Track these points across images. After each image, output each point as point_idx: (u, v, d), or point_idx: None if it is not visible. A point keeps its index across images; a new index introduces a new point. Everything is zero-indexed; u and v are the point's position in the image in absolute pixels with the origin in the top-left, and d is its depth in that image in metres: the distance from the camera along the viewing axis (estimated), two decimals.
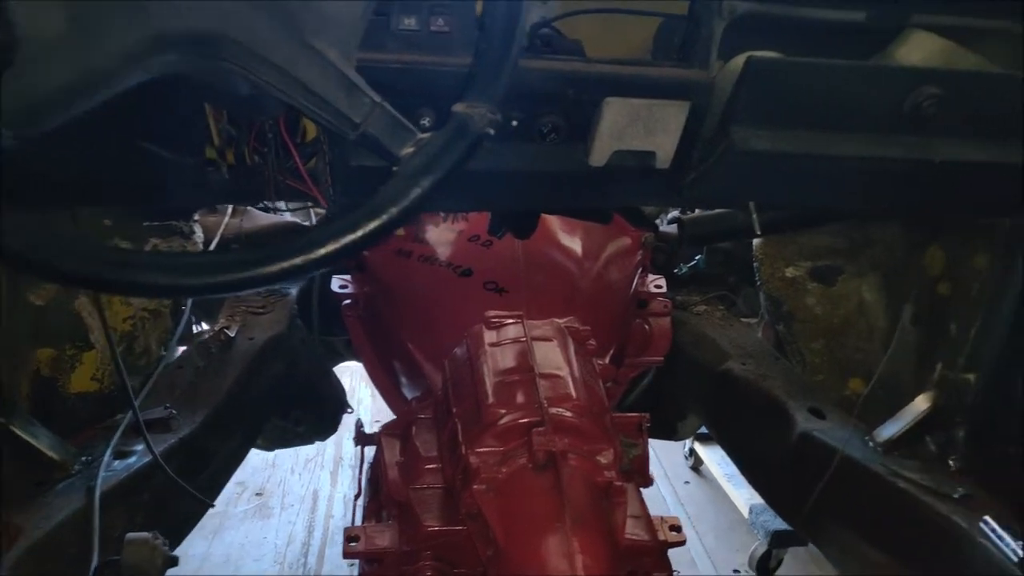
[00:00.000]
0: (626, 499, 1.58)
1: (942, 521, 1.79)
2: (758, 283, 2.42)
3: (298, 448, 3.30)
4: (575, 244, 2.13)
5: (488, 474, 1.54)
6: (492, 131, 1.00)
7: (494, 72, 1.01)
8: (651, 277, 2.38)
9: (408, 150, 0.97)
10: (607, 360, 2.10)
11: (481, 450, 1.59)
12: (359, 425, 1.98)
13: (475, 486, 1.53)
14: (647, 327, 2.36)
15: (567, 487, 1.48)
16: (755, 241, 2.41)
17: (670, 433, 2.80)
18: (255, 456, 3.24)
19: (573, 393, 1.66)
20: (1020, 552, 1.61)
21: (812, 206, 1.77)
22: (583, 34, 1.59)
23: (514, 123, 1.41)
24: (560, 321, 1.89)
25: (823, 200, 1.61)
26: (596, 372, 1.85)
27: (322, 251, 0.94)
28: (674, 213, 2.48)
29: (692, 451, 3.88)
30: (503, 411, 1.62)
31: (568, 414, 1.61)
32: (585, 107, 1.42)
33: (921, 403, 2.06)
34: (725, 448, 2.48)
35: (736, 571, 3.26)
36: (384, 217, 0.95)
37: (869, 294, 2.26)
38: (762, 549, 3.19)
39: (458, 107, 1.00)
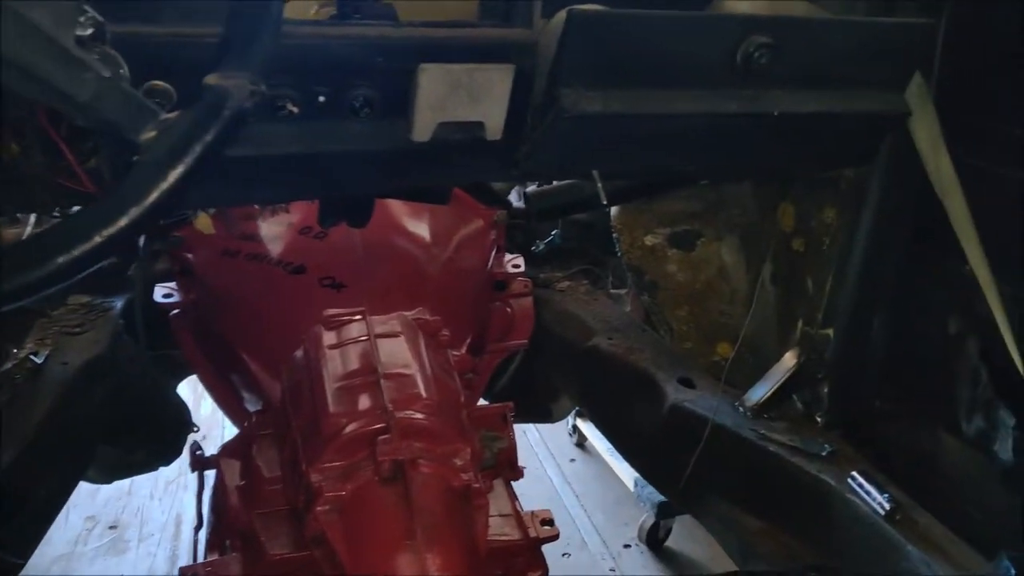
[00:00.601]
0: (487, 501, 1.48)
1: (812, 481, 1.78)
2: (619, 254, 2.36)
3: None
4: (421, 229, 2.00)
5: (331, 492, 1.40)
6: (251, 104, 0.84)
7: (249, 34, 0.86)
8: (508, 257, 2.28)
9: (150, 134, 0.80)
10: (464, 350, 1.98)
11: (323, 466, 1.44)
12: (195, 448, 1.79)
13: (317, 507, 1.39)
14: (509, 310, 2.26)
15: (418, 498, 1.36)
16: (612, 211, 2.34)
17: (546, 416, 2.73)
18: (109, 485, 2.95)
19: (423, 392, 1.53)
20: (886, 505, 1.61)
21: (656, 170, 1.70)
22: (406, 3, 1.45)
23: (321, 99, 1.27)
24: (408, 314, 1.76)
25: (667, 163, 1.54)
26: (451, 365, 1.74)
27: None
28: (532, 187, 2.38)
29: (575, 428, 3.85)
30: (345, 420, 1.48)
31: (418, 416, 1.48)
32: (399, 77, 1.28)
33: (786, 362, 2.05)
34: (599, 427, 2.43)
35: (627, 545, 3.25)
36: (106, 231, 0.76)
37: (728, 256, 2.23)
38: (650, 521, 3.19)
39: (210, 79, 0.84)
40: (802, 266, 2.05)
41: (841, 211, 1.90)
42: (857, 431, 1.97)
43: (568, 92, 1.30)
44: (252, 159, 1.27)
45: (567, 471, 3.72)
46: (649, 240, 2.31)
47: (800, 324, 2.07)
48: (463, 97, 1.33)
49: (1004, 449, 1.47)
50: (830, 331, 1.95)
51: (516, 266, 2.27)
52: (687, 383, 2.14)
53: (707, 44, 1.32)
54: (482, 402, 2.45)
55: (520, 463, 3.75)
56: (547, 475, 3.71)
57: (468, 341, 2.06)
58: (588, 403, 2.42)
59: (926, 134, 1.50)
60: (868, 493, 1.66)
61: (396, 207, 1.98)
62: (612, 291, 2.69)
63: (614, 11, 1.26)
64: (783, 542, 1.86)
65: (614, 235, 2.36)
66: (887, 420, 1.91)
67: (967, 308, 1.62)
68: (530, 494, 3.68)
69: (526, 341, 2.27)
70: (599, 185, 1.56)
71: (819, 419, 2.01)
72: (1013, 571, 1.42)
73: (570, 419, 3.85)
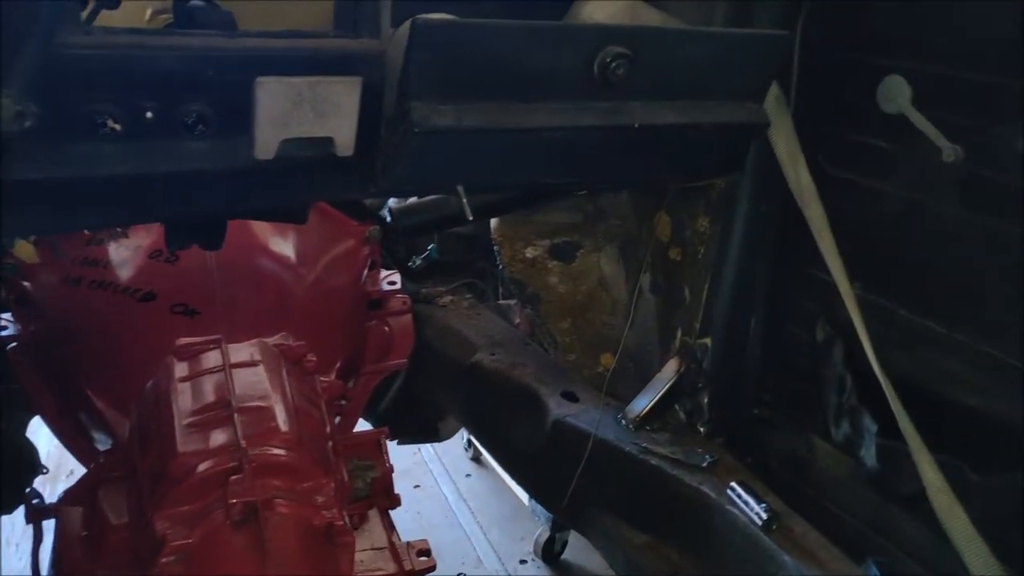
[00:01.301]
0: (352, 539, 1.41)
1: (693, 493, 1.78)
2: (499, 266, 2.33)
3: None
4: (285, 248, 1.91)
5: (177, 541, 1.30)
6: (24, 126, 0.76)
7: (11, 47, 0.77)
8: (383, 274, 2.21)
9: None
10: (334, 375, 1.90)
11: (169, 511, 1.34)
12: (31, 496, 1.64)
13: (162, 558, 1.28)
14: (386, 329, 2.18)
15: (272, 541, 1.28)
16: (492, 223, 2.31)
17: (433, 435, 2.67)
18: None
19: (282, 425, 1.45)
20: (763, 515, 1.62)
21: (521, 184, 1.67)
22: (257, 10, 1.37)
23: (148, 115, 1.17)
24: (269, 340, 1.67)
25: (529, 177, 1.51)
26: (318, 393, 1.66)
27: None
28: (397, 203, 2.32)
29: (471, 442, 3.80)
30: (194, 460, 1.39)
31: (276, 451, 1.40)
32: (236, 91, 1.20)
33: (667, 372, 2.06)
34: (483, 445, 2.39)
35: (523, 561, 3.22)
36: None
37: (608, 267, 2.23)
38: (546, 535, 3.17)
39: None
40: (679, 275, 2.06)
41: (714, 220, 1.92)
42: (737, 439, 2.00)
43: (418, 106, 1.25)
44: (71, 181, 1.16)
45: (463, 487, 3.67)
46: (530, 252, 2.29)
47: (679, 333, 2.08)
48: (307, 112, 1.27)
49: (868, 455, 1.50)
50: (708, 340, 1.97)
51: (392, 283, 2.20)
52: (570, 397, 2.13)
53: (562, 55, 1.29)
54: (363, 425, 2.39)
55: (415, 481, 3.70)
56: (442, 492, 3.65)
57: (339, 365, 1.98)
58: (473, 421, 2.37)
59: (784, 144, 1.52)
60: (746, 504, 1.67)
61: (257, 226, 1.88)
62: (502, 302, 2.66)
63: (462, 20, 1.22)
64: (667, 556, 1.86)
65: (495, 248, 2.33)
66: (765, 427, 1.94)
67: (831, 314, 1.66)
68: (425, 512, 3.65)
69: (405, 361, 2.20)
70: (464, 200, 1.52)
71: (701, 429, 2.02)
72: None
73: (465, 433, 3.80)
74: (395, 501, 1.86)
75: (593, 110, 1.37)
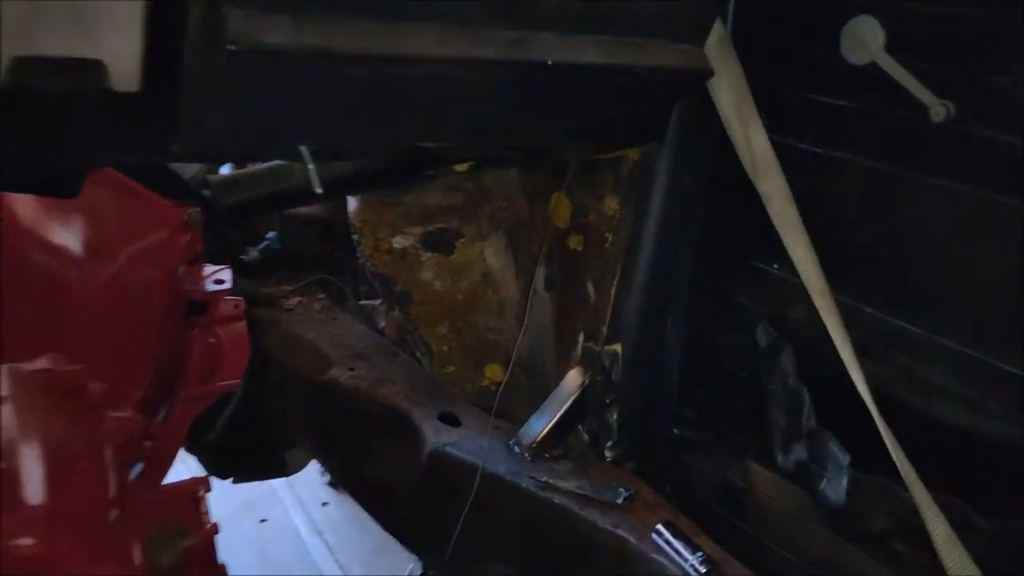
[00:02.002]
0: None
1: (608, 539, 1.46)
2: (360, 259, 1.92)
3: None
4: (66, 235, 1.42)
5: None
6: None
7: None
8: (210, 269, 1.75)
9: None
10: (130, 409, 1.43)
11: None
12: None
13: None
14: (213, 339, 1.73)
15: None
16: (351, 204, 1.89)
17: (279, 468, 2.22)
18: None
19: (30, 496, 0.99)
20: (700, 568, 1.31)
21: (387, 145, 1.27)
22: None
23: None
24: (27, 365, 1.19)
25: (397, 136, 1.12)
26: (100, 436, 1.20)
27: None
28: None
29: None
30: None
31: (20, 538, 0.94)
32: None
33: (568, 386, 1.73)
34: (342, 483, 1.98)
35: None
36: None
37: (494, 259, 1.87)
38: (418, 572, 2.78)
39: None
40: (581, 268, 1.74)
41: (624, 200, 1.60)
42: (654, 465, 1.69)
43: (237, 13, 0.84)
44: None
45: (318, 518, 3.21)
46: (398, 242, 1.89)
47: (581, 339, 1.76)
48: (64, 20, 0.84)
49: (834, 489, 1.21)
50: (617, 347, 1.65)
51: (220, 281, 1.74)
52: (450, 420, 1.76)
53: None
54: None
55: (261, 515, 3.22)
56: (294, 525, 3.18)
57: (143, 392, 1.51)
58: (327, 453, 1.95)
59: (732, 98, 1.22)
60: (677, 552, 1.36)
61: (23, 204, 1.39)
62: (364, 303, 2.24)
63: None
64: None
65: (354, 236, 1.91)
66: (688, 450, 1.64)
67: (777, 314, 1.37)
68: (272, 552, 3.17)
69: (239, 380, 1.75)
70: (310, 168, 1.11)
71: (608, 453, 1.70)
72: None
73: None
74: (219, 571, 1.43)
75: (492, 39, 1.00)
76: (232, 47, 0.83)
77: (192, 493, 1.37)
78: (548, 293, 1.82)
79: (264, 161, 1.66)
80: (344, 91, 0.99)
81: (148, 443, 1.47)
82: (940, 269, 1.17)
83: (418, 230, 1.87)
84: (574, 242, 1.75)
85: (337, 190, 1.59)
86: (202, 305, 1.73)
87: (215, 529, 1.47)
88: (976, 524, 1.04)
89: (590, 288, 1.71)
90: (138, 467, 1.51)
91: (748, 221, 1.34)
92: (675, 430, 1.65)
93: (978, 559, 1.02)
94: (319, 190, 1.13)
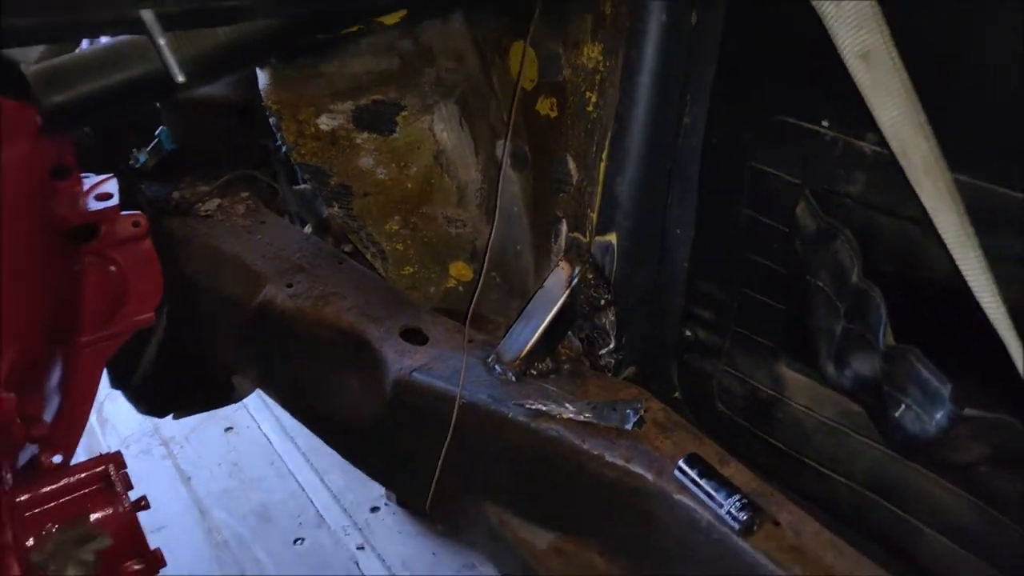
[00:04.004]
0: None
1: (620, 476, 1.19)
2: (281, 147, 1.54)
3: None
4: None
5: None
6: None
7: None
8: (91, 181, 1.37)
9: None
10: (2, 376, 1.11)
11: None
12: None
13: None
14: (113, 268, 1.38)
15: None
16: (261, 81, 1.49)
17: (224, 396, 1.93)
18: None
19: None
20: (739, 516, 1.05)
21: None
22: None
23: None
24: None
25: None
26: None
27: None
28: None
29: None
30: None
31: None
32: None
33: (553, 287, 1.42)
34: (301, 421, 1.69)
35: (375, 509, 2.61)
36: None
37: (446, 136, 1.50)
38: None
39: None
40: (557, 140, 1.39)
41: (609, 48, 1.23)
42: (660, 372, 1.42)
43: None
44: None
45: (288, 423, 2.95)
46: (325, 123, 1.50)
47: (564, 228, 1.43)
48: None
49: (917, 420, 0.93)
50: (611, 237, 1.33)
51: (106, 196, 1.37)
52: (414, 336, 1.47)
53: None
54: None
55: (226, 423, 2.97)
56: (262, 433, 2.94)
57: (17, 351, 1.18)
58: (275, 387, 1.65)
59: None
60: (708, 496, 1.10)
61: None
62: (300, 187, 1.88)
63: None
64: (585, 560, 1.29)
65: (271, 120, 1.53)
66: (702, 353, 1.36)
67: (830, 192, 1.05)
68: (243, 463, 2.90)
69: (152, 313, 1.42)
70: (161, 44, 0.73)
71: (606, 359, 1.42)
72: None
73: None
74: (154, 563, 1.15)
75: None
76: None
77: (101, 477, 1.07)
78: (517, 173, 1.48)
79: (93, 37, 1.24)
80: None
81: (30, 418, 1.14)
82: None
83: (347, 106, 1.47)
84: (545, 106, 1.39)
85: (210, 71, 1.17)
86: (87, 229, 1.37)
87: (139, 506, 1.19)
88: None
89: (571, 165, 1.37)
90: (28, 451, 1.21)
91: (783, 59, 0.99)
92: (685, 331, 1.36)
93: None
94: (180, 78, 0.76)
